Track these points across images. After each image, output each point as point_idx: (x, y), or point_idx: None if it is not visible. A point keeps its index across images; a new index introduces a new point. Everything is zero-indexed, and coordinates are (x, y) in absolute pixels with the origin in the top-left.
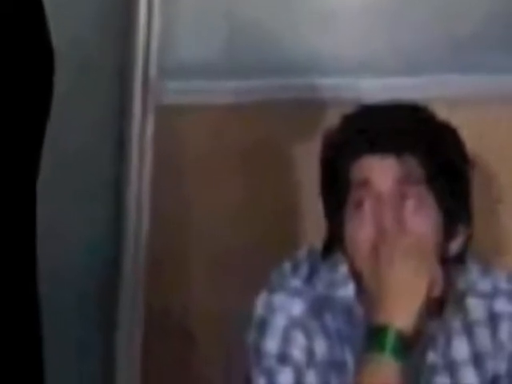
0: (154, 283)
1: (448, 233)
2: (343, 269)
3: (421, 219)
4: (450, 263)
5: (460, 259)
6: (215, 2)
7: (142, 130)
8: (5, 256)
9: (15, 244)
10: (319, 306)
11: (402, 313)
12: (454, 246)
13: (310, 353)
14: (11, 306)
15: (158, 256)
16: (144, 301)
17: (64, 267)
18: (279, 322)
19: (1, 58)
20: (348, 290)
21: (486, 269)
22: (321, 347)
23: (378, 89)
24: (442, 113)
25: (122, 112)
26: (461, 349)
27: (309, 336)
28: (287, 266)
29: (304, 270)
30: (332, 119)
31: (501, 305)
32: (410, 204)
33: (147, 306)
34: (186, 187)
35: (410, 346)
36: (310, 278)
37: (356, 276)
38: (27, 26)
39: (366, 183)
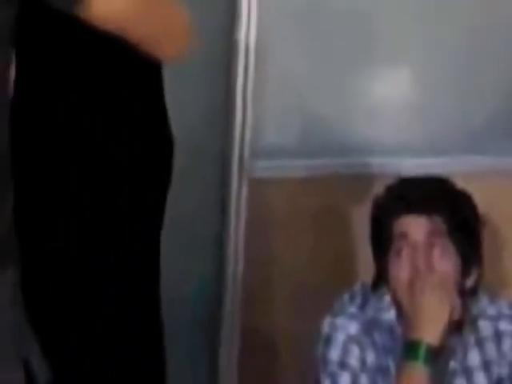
0: (248, 311)
1: (464, 272)
2: (387, 298)
3: (445, 262)
4: (466, 294)
5: (473, 291)
6: (292, 101)
7: (238, 197)
8: (143, 297)
9: (149, 287)
10: (369, 327)
11: (430, 331)
12: (469, 282)
13: (362, 361)
14: (146, 332)
15: (251, 291)
16: (240, 325)
17: (180, 302)
18: (340, 337)
19: (137, 146)
20: (391, 315)
21: (493, 298)
22: (371, 357)
23: (412, 166)
24: (460, 184)
25: (223, 184)
26: (474, 358)
27: (362, 348)
28: (346, 296)
29: (358, 299)
30: (379, 189)
31: (504, 325)
32: (436, 251)
33: (242, 329)
34: (272, 240)
35: (437, 356)
36: (363, 306)
37: (397, 304)
38: (157, 123)
39: (404, 236)
